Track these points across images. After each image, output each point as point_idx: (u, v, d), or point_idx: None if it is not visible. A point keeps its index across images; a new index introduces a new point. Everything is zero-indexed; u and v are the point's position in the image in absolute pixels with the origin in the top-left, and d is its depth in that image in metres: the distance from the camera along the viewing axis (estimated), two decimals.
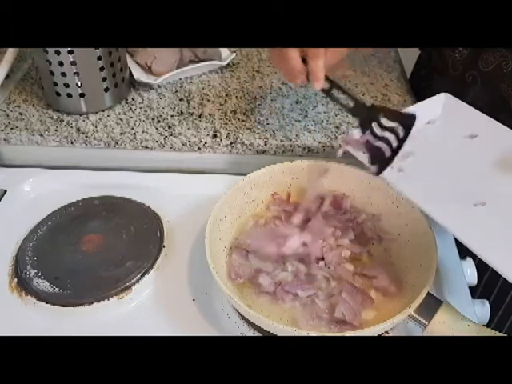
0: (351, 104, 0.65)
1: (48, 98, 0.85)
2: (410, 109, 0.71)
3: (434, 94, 0.73)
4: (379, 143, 0.61)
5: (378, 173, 0.61)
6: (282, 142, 0.79)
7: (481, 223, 0.57)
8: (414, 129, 0.62)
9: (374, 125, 0.62)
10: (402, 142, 0.59)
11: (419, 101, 0.88)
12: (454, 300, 0.59)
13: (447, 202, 0.59)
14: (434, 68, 0.88)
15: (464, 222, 0.57)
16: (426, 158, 0.66)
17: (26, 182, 0.79)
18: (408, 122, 0.59)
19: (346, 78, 0.92)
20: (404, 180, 0.62)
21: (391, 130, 0.60)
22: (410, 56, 1.00)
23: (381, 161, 0.61)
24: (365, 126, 0.63)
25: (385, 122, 0.61)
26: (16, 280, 0.65)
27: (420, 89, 0.92)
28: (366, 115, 0.63)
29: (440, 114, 0.72)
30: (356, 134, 0.65)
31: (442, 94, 0.73)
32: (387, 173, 0.62)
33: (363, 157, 0.64)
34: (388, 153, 0.60)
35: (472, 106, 0.72)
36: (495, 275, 0.84)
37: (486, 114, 0.70)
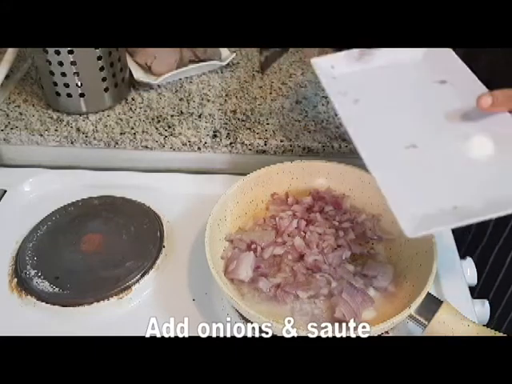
0: None
1: (48, 98, 0.85)
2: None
3: None
4: None
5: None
6: (281, 141, 0.79)
7: (400, 164, 0.57)
8: (385, 64, 0.66)
9: None
10: None
11: None
12: (454, 300, 0.59)
13: (383, 141, 0.59)
14: None
15: (386, 161, 0.57)
16: (385, 96, 0.65)
17: (25, 182, 0.79)
18: None
19: None
20: (354, 113, 0.62)
21: None
22: None
23: None
24: None
25: None
26: (16, 280, 0.65)
27: None
28: None
29: (420, 57, 0.69)
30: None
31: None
32: (341, 101, 0.62)
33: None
34: None
35: None
36: (493, 273, 0.85)
37: None
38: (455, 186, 0.55)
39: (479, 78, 0.61)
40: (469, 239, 0.88)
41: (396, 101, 0.65)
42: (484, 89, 0.60)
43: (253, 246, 0.65)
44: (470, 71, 0.64)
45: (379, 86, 0.66)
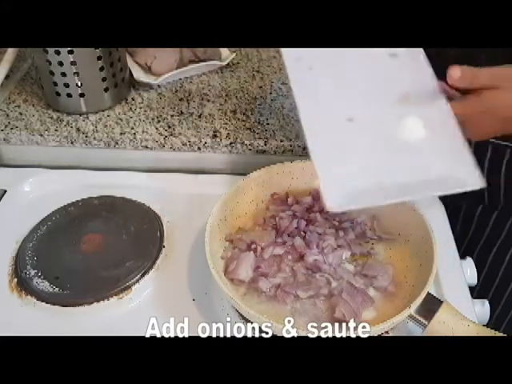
0: None
1: (48, 98, 0.85)
2: None
3: None
4: None
5: None
6: (281, 141, 0.79)
7: (335, 137, 0.57)
8: None
9: None
10: None
11: None
12: (454, 300, 0.59)
13: (325, 112, 0.58)
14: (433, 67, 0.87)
15: (324, 133, 0.56)
16: (338, 65, 0.64)
17: (25, 182, 0.79)
18: None
19: None
20: (305, 79, 0.61)
21: None
22: None
23: None
24: None
25: None
26: (16, 280, 0.65)
27: None
28: None
29: None
30: None
31: None
32: (295, 67, 0.62)
33: None
34: None
35: None
36: (492, 273, 0.85)
37: None
38: (382, 165, 0.55)
39: None
40: (467, 239, 0.88)
41: (347, 70, 0.63)
42: (429, 68, 0.60)
43: (253, 246, 0.65)
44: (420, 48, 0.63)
45: (335, 55, 0.64)
